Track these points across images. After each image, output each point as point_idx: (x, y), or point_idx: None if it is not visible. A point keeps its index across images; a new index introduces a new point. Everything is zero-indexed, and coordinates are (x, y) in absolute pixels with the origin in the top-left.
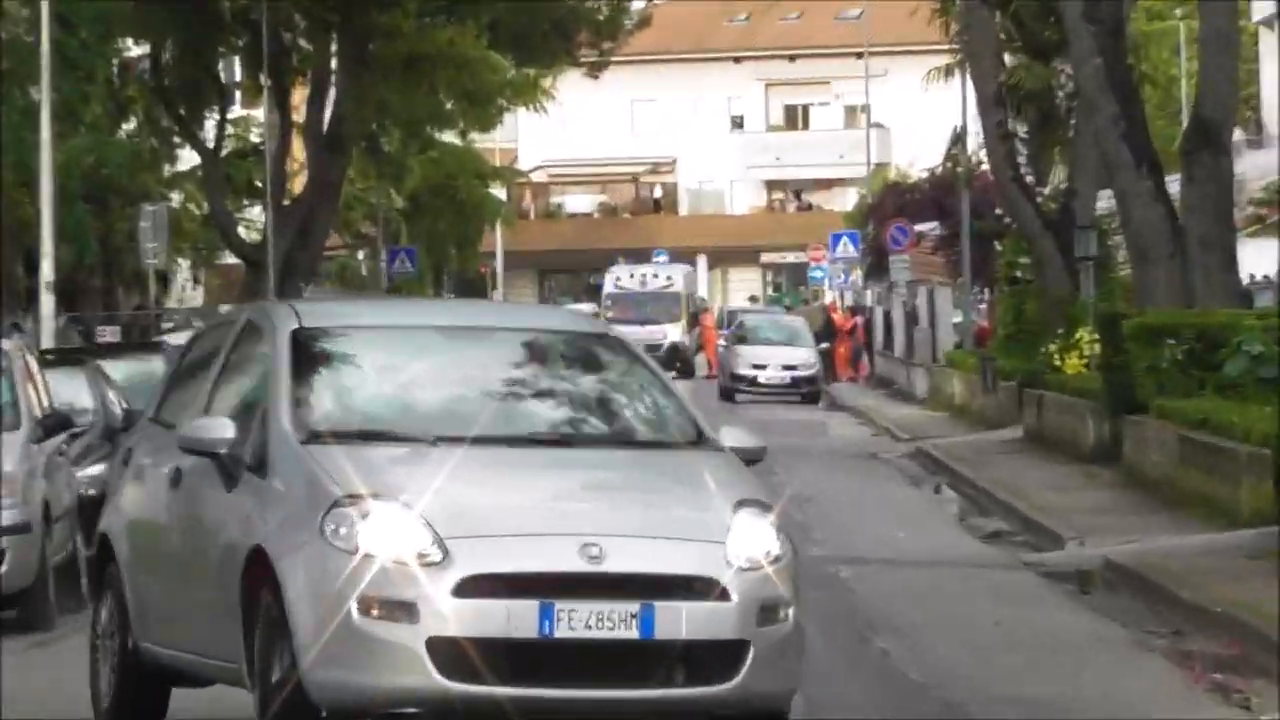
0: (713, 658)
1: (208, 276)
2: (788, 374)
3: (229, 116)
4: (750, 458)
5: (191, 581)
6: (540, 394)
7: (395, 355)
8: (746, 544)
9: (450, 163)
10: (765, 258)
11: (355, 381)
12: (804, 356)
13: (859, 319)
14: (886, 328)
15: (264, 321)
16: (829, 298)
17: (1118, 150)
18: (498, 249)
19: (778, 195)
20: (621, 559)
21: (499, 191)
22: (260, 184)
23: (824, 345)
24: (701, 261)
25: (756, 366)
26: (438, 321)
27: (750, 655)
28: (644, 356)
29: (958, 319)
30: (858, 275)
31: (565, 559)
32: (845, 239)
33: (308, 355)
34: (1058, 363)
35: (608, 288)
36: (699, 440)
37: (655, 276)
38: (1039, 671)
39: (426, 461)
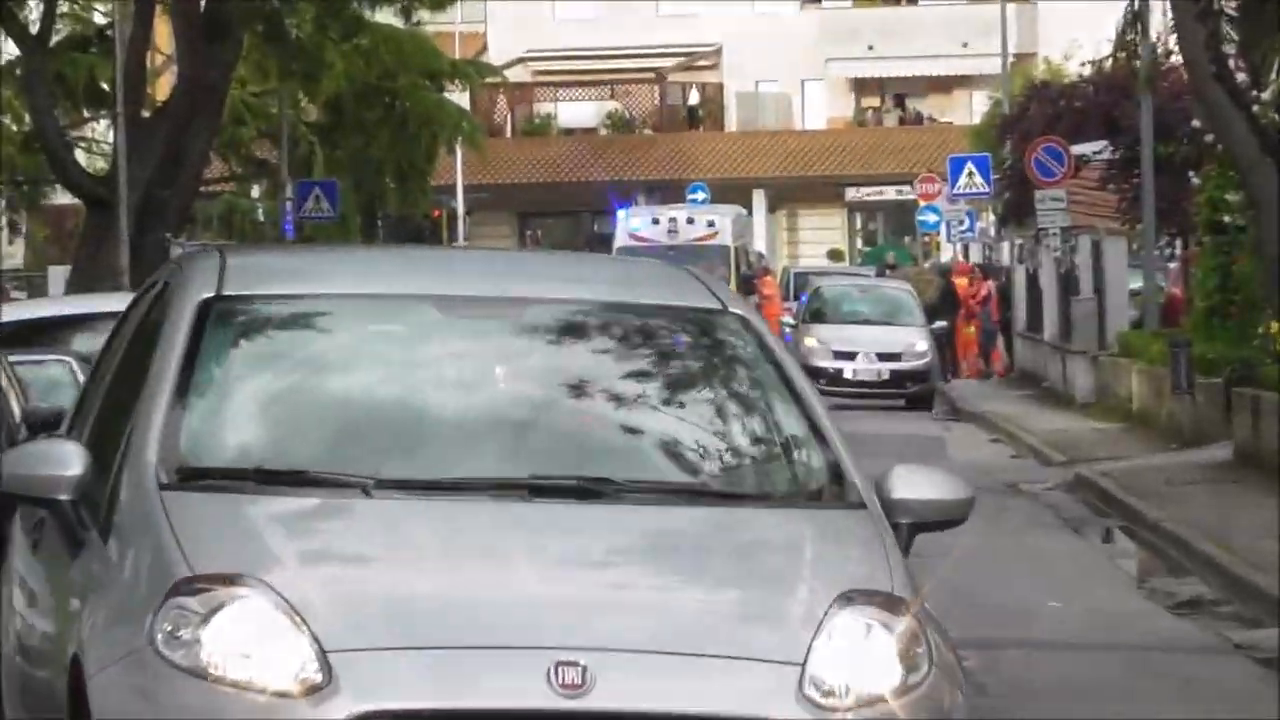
0: None
1: (31, 223)
2: (886, 366)
3: None
4: (933, 519)
5: (39, 705)
6: (576, 413)
7: (358, 344)
8: (842, 665)
9: (387, 55)
10: (853, 194)
11: (280, 387)
12: (910, 340)
13: (991, 285)
14: (1032, 298)
15: (176, 282)
16: (947, 254)
17: None
18: (457, 181)
19: (871, 102)
20: (618, 689)
21: (459, 98)
22: (108, 87)
23: (940, 324)
24: (758, 200)
25: (841, 355)
26: (441, 287)
27: None
28: (780, 352)
29: (1136, 285)
30: (989, 220)
31: (523, 687)
32: (971, 166)
33: (219, 341)
34: None
35: (620, 238)
36: (834, 489)
37: (690, 222)
38: None
39: (342, 522)
